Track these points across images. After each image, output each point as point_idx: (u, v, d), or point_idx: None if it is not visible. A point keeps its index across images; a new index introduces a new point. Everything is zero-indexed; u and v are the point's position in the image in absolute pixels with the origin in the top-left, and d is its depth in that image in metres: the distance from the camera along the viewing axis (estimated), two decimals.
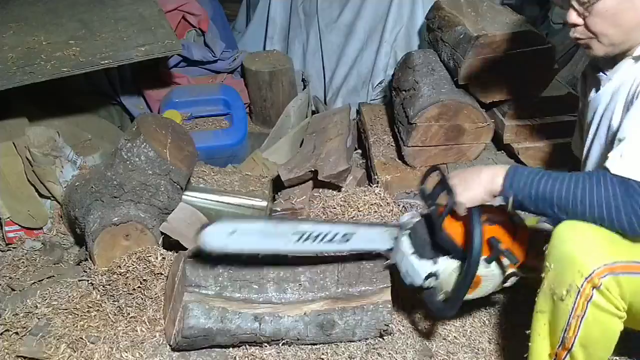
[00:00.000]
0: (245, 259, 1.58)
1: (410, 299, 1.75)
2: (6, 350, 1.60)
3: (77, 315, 1.70)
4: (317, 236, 1.47)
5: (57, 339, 1.62)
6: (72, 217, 2.05)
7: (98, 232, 1.78)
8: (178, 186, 2.00)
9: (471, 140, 2.29)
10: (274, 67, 3.06)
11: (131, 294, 1.73)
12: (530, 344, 1.28)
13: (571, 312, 1.16)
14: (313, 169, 2.19)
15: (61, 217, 2.19)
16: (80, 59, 2.27)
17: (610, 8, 1.19)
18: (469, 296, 1.44)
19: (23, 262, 2.02)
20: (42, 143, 2.10)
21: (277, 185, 2.33)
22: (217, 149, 2.68)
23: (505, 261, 1.42)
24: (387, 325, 1.63)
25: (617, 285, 1.12)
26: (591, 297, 1.13)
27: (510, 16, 2.39)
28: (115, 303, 1.73)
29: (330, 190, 2.19)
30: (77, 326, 1.67)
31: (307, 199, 2.16)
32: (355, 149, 2.77)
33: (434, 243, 1.45)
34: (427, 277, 1.44)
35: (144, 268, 1.75)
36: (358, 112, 2.96)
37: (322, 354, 1.62)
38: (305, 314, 1.59)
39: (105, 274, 1.77)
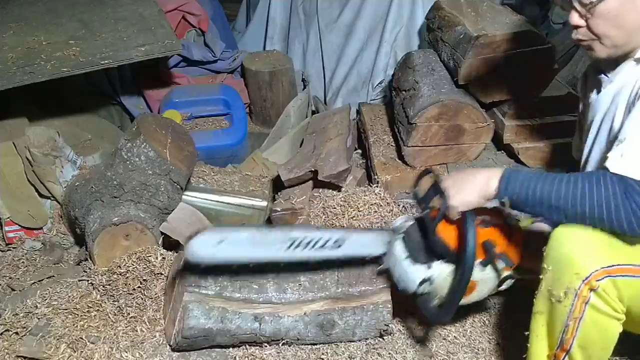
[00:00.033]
0: (235, 268, 1.56)
1: (410, 299, 1.75)
2: (6, 350, 1.60)
3: (77, 315, 1.70)
4: (308, 243, 1.45)
5: (57, 339, 1.62)
6: (72, 217, 2.05)
7: (98, 232, 1.78)
8: (178, 186, 2.00)
9: (471, 140, 2.29)
10: (274, 67, 3.06)
11: (131, 294, 1.73)
12: (529, 344, 1.28)
13: (569, 314, 1.16)
14: (313, 169, 2.19)
15: (61, 217, 2.19)
16: (80, 59, 2.27)
17: (612, 9, 1.19)
18: (464, 301, 1.42)
19: (23, 262, 2.02)
20: (42, 143, 2.10)
21: (277, 185, 2.33)
22: (217, 149, 2.68)
23: (501, 264, 1.40)
24: (387, 325, 1.63)
25: (614, 287, 1.12)
26: (589, 299, 1.13)
27: (510, 16, 2.39)
28: (115, 303, 1.73)
29: (330, 190, 2.18)
30: (77, 326, 1.67)
31: (307, 199, 2.16)
32: (355, 149, 2.77)
33: (427, 247, 1.42)
34: (421, 283, 1.42)
35: (144, 268, 1.75)
36: (358, 112, 2.96)
37: (322, 354, 1.62)
38: (305, 314, 1.59)
39: (105, 274, 1.77)
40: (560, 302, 1.16)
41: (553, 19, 3.51)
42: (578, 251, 1.15)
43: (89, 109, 2.72)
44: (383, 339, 1.66)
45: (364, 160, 2.68)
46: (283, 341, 1.59)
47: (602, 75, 1.36)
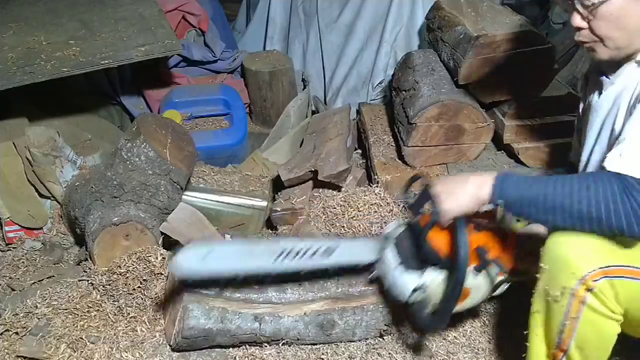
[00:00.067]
0: (224, 282, 1.54)
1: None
2: (6, 350, 1.60)
3: (77, 315, 1.70)
4: (297, 253, 1.43)
5: (57, 339, 1.62)
6: (72, 217, 2.05)
7: (98, 232, 1.78)
8: (178, 186, 2.00)
9: (471, 140, 2.29)
10: (274, 67, 3.06)
11: (131, 294, 1.73)
12: (528, 344, 1.28)
13: (566, 314, 1.15)
14: (313, 169, 2.19)
15: (61, 217, 2.19)
16: (80, 59, 2.27)
17: (614, 11, 1.18)
18: (458, 308, 1.40)
19: (23, 262, 2.02)
20: (42, 143, 2.10)
21: (277, 185, 2.33)
22: (217, 149, 2.68)
23: (494, 270, 1.38)
24: (387, 325, 1.63)
25: (611, 288, 1.12)
26: (585, 299, 1.13)
27: (510, 16, 2.39)
28: (115, 303, 1.73)
29: (330, 190, 2.19)
30: (77, 326, 1.67)
31: (307, 199, 2.16)
32: (355, 149, 2.77)
33: (419, 254, 1.40)
34: (413, 292, 1.39)
35: (144, 268, 1.75)
36: (358, 112, 2.96)
37: (322, 354, 1.62)
38: (305, 314, 1.59)
39: (105, 274, 1.77)
40: (556, 301, 1.16)
41: (553, 19, 3.51)
42: (575, 251, 1.14)
43: (89, 109, 2.72)
44: (383, 339, 1.66)
45: (364, 160, 2.68)
46: (283, 341, 1.59)
47: (604, 77, 1.35)
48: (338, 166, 2.14)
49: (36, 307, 1.74)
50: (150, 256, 1.77)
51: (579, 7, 1.22)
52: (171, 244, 1.93)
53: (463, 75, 2.24)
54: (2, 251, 2.13)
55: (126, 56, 2.32)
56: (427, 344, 1.66)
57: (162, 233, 1.91)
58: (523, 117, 2.29)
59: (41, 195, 2.17)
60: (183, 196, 2.08)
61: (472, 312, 1.75)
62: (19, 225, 2.14)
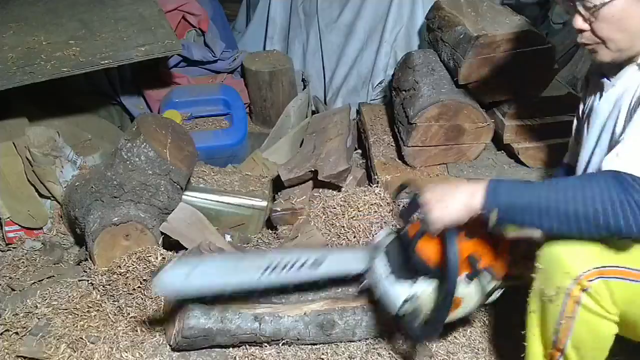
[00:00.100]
0: (210, 299, 1.51)
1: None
2: (6, 350, 1.60)
3: (77, 315, 1.70)
4: (284, 266, 1.39)
5: (57, 339, 1.62)
6: (72, 217, 2.05)
7: (98, 232, 1.78)
8: (178, 186, 2.00)
9: (471, 140, 2.29)
10: (274, 67, 3.06)
11: (131, 294, 1.73)
12: (525, 344, 1.28)
13: (561, 314, 1.15)
14: (313, 169, 2.19)
15: (61, 217, 2.20)
16: (80, 59, 2.27)
17: (616, 13, 1.17)
18: (450, 318, 1.37)
19: (23, 262, 2.02)
20: (42, 143, 2.10)
21: (277, 185, 2.33)
22: (217, 149, 2.68)
23: (487, 278, 1.35)
24: (387, 326, 1.63)
25: (607, 289, 1.12)
26: (580, 299, 1.12)
27: (510, 16, 2.39)
28: (115, 303, 1.73)
29: (330, 190, 2.19)
30: (77, 326, 1.67)
31: (307, 199, 2.16)
32: (355, 149, 2.77)
33: (409, 264, 1.36)
34: (404, 303, 1.35)
35: (144, 268, 1.75)
36: (358, 112, 2.96)
37: (322, 354, 1.62)
38: (305, 314, 1.59)
39: (105, 274, 1.77)
40: (551, 301, 1.16)
41: (553, 19, 3.52)
42: (570, 251, 1.14)
43: (89, 109, 2.72)
44: (383, 339, 1.66)
45: (364, 160, 2.68)
46: (283, 341, 1.59)
47: (605, 79, 1.34)
48: (338, 166, 2.14)
49: (36, 307, 1.74)
50: (150, 256, 1.78)
51: (580, 9, 1.21)
52: (171, 244, 1.93)
53: (463, 75, 2.24)
54: (2, 251, 2.14)
55: (126, 56, 2.32)
56: (427, 344, 1.66)
57: (162, 233, 1.91)
58: (523, 117, 2.29)
59: (41, 195, 2.17)
60: (183, 196, 2.08)
61: (472, 315, 1.75)
62: (19, 225, 2.14)
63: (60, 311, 1.72)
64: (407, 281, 1.36)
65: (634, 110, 1.17)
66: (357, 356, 1.62)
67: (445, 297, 1.29)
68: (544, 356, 1.25)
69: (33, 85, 2.16)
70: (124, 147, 1.93)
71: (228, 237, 2.11)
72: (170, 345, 1.61)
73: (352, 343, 1.65)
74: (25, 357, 1.59)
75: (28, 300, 1.77)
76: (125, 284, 1.73)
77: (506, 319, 1.71)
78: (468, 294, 1.35)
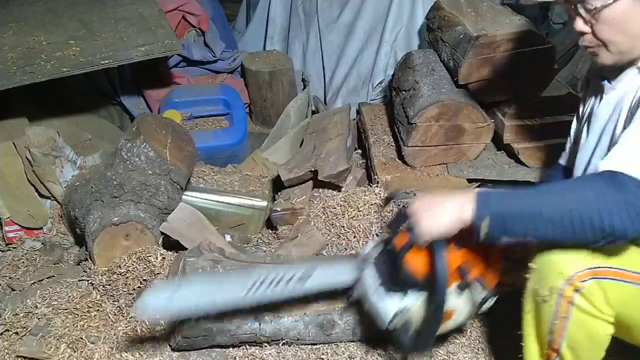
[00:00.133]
0: (195, 320, 1.48)
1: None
2: (6, 350, 1.60)
3: (77, 315, 1.70)
4: (271, 282, 1.36)
5: (57, 339, 1.62)
6: (72, 217, 2.05)
7: (98, 232, 1.78)
8: (178, 186, 2.00)
9: (471, 140, 2.29)
10: (274, 67, 3.06)
11: (131, 294, 1.73)
12: (523, 344, 1.28)
13: (555, 314, 1.15)
14: (313, 169, 2.19)
15: (61, 217, 2.20)
16: (80, 59, 2.27)
17: (617, 15, 1.16)
18: (443, 329, 1.33)
19: (23, 262, 2.02)
20: (42, 143, 2.10)
21: (277, 185, 2.33)
22: (217, 149, 2.68)
23: (478, 288, 1.32)
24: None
25: (600, 289, 1.11)
26: (573, 299, 1.12)
27: (510, 16, 2.39)
28: (115, 303, 1.73)
29: (330, 190, 2.19)
30: (77, 326, 1.67)
31: (307, 199, 2.16)
32: (355, 149, 2.77)
33: (397, 278, 1.31)
34: (394, 317, 1.31)
35: (144, 268, 1.75)
36: (358, 112, 2.96)
37: (322, 354, 1.62)
38: (305, 314, 1.59)
39: (105, 274, 1.77)
40: (545, 301, 1.16)
41: (553, 19, 3.52)
42: (563, 251, 1.13)
43: (89, 109, 2.72)
44: (383, 339, 1.66)
45: (364, 160, 2.68)
46: (283, 341, 1.59)
47: (605, 82, 1.33)
48: (338, 166, 2.14)
49: (36, 307, 1.74)
50: (150, 256, 1.78)
51: (581, 11, 1.20)
52: (171, 244, 1.93)
53: (463, 75, 2.24)
54: (2, 251, 2.14)
55: (126, 56, 2.32)
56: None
57: (162, 233, 1.91)
58: (523, 117, 2.29)
59: (41, 195, 2.17)
60: (183, 196, 2.08)
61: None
62: (19, 225, 2.14)
63: (60, 311, 1.72)
64: (397, 294, 1.31)
65: (633, 113, 1.17)
66: (357, 356, 1.62)
67: (435, 311, 1.26)
68: (540, 356, 1.25)
69: (33, 85, 2.16)
70: (124, 147, 1.93)
71: (228, 237, 2.11)
72: (170, 345, 1.61)
73: (352, 343, 1.65)
74: (25, 357, 1.60)
75: (28, 300, 1.77)
76: (125, 284, 1.73)
77: (506, 319, 1.71)
78: (459, 305, 1.32)
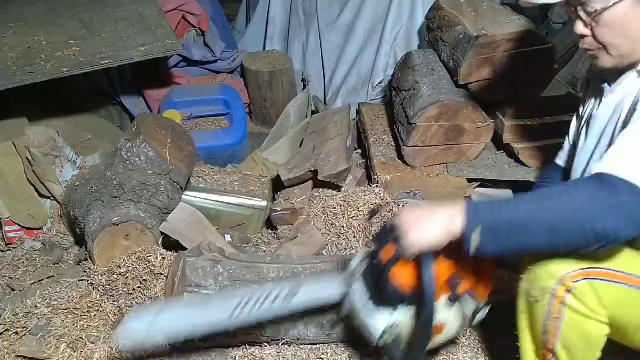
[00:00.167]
0: (180, 344, 1.46)
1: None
2: (6, 350, 1.60)
3: (77, 315, 1.70)
4: (256, 301, 1.32)
5: (57, 339, 1.62)
6: (72, 217, 2.05)
7: (98, 232, 1.78)
8: (178, 186, 2.00)
9: (471, 140, 2.29)
10: (274, 67, 3.06)
11: (131, 294, 1.73)
12: (519, 344, 1.28)
13: (547, 314, 1.15)
14: (313, 169, 2.19)
15: (61, 217, 2.20)
16: (80, 59, 2.27)
17: (617, 18, 1.15)
18: (435, 343, 1.30)
19: (23, 262, 2.02)
20: (42, 143, 2.10)
21: (277, 185, 2.33)
22: (217, 149, 2.68)
23: (469, 300, 1.28)
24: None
25: (592, 290, 1.11)
26: (565, 300, 1.12)
27: (510, 16, 2.39)
28: (115, 303, 1.73)
29: (330, 190, 2.19)
30: (77, 326, 1.67)
31: (307, 199, 2.16)
32: (355, 149, 2.77)
33: (383, 293, 1.26)
34: (383, 333, 1.26)
35: (144, 268, 1.75)
36: (358, 112, 2.96)
37: (322, 354, 1.62)
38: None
39: (105, 274, 1.77)
40: (538, 302, 1.16)
41: (553, 19, 3.52)
42: None
43: (89, 109, 2.72)
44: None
45: (364, 160, 2.68)
46: (283, 341, 1.59)
47: (605, 85, 1.33)
48: (338, 166, 2.14)
49: (36, 307, 1.74)
50: (150, 256, 1.78)
51: (582, 14, 1.19)
52: (171, 244, 1.93)
53: (463, 75, 2.24)
54: (2, 251, 2.14)
55: (126, 56, 2.32)
56: None
57: (162, 233, 1.91)
58: (523, 117, 2.29)
59: (41, 195, 2.17)
60: (183, 196, 2.08)
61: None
62: (19, 225, 2.14)
63: (60, 311, 1.72)
64: (386, 308, 1.26)
65: (630, 116, 1.16)
66: (357, 356, 1.61)
67: (424, 327, 1.22)
68: (537, 356, 1.25)
69: (33, 85, 2.16)
70: (124, 147, 1.93)
71: (228, 237, 2.11)
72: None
73: (352, 343, 1.65)
74: (25, 357, 1.60)
75: (28, 300, 1.77)
76: (125, 284, 1.73)
77: (506, 319, 1.71)
78: (450, 318, 1.28)
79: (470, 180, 2.29)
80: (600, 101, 1.34)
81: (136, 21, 2.57)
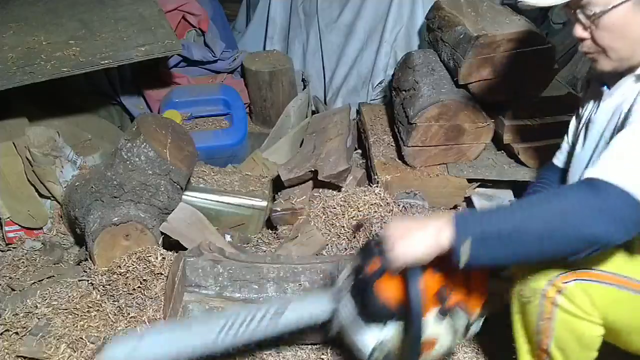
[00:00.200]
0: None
1: None
2: (6, 350, 1.60)
3: (77, 315, 1.70)
4: (242, 322, 1.29)
5: (57, 339, 1.62)
6: (72, 217, 2.05)
7: (98, 232, 1.78)
8: (178, 186, 2.00)
9: (471, 140, 2.29)
10: (274, 67, 3.06)
11: (131, 294, 1.73)
12: (515, 344, 1.29)
13: (539, 315, 1.15)
14: (313, 169, 2.19)
15: (61, 217, 2.20)
16: (80, 59, 2.27)
17: (616, 21, 1.14)
18: (427, 359, 1.25)
19: (23, 262, 2.02)
20: (42, 143, 2.10)
21: (277, 185, 2.33)
22: (217, 149, 2.68)
23: (460, 313, 1.24)
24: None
25: (583, 291, 1.11)
26: (556, 300, 1.12)
27: (510, 16, 2.39)
28: (115, 303, 1.73)
29: (330, 190, 2.19)
30: (77, 326, 1.67)
31: (307, 199, 2.16)
32: (355, 149, 2.77)
33: (369, 309, 1.22)
34: (373, 350, 1.22)
35: (144, 268, 1.75)
36: (358, 112, 2.96)
37: (322, 354, 1.62)
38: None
39: (105, 274, 1.77)
40: (529, 302, 1.17)
41: (553, 19, 3.51)
42: None
43: (89, 109, 2.72)
44: None
45: (364, 160, 2.68)
46: (283, 341, 1.59)
47: (604, 88, 1.32)
48: (338, 166, 2.14)
49: (36, 307, 1.74)
50: (150, 256, 1.78)
51: (581, 16, 1.18)
52: (171, 244, 1.93)
53: (463, 75, 2.24)
54: (2, 251, 2.14)
55: (126, 56, 2.32)
56: None
57: (162, 233, 1.91)
58: (523, 117, 2.29)
59: (41, 195, 2.17)
60: (183, 196, 2.08)
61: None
62: (19, 225, 2.14)
63: (60, 311, 1.72)
64: (376, 325, 1.22)
65: (624, 120, 1.15)
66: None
67: (413, 342, 1.18)
68: (533, 356, 1.25)
69: (33, 85, 2.16)
70: (124, 147, 1.93)
71: (228, 237, 2.11)
72: None
73: None
74: (25, 357, 1.59)
75: (28, 300, 1.77)
76: (125, 284, 1.73)
77: (506, 319, 1.71)
78: (442, 332, 1.23)
79: (470, 180, 2.29)
80: (599, 105, 1.33)
81: (136, 21, 2.57)
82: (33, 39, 2.41)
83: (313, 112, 3.11)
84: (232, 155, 2.73)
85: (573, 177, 1.41)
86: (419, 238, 1.10)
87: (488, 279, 1.28)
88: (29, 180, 2.15)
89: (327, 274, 1.61)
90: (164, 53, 2.41)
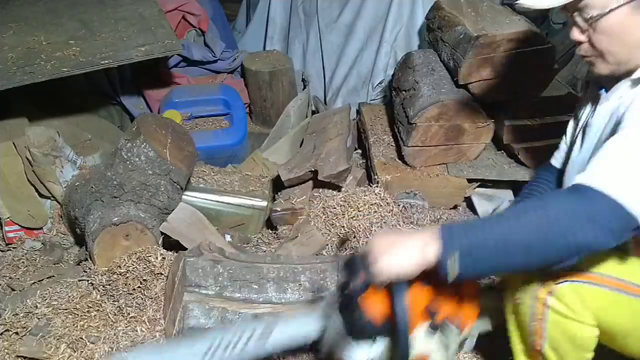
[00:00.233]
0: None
1: None
2: (6, 350, 1.60)
3: (77, 315, 1.70)
4: (227, 344, 1.25)
5: (57, 339, 1.62)
6: (72, 217, 2.05)
7: (98, 232, 1.78)
8: (178, 186, 2.00)
9: (471, 140, 2.29)
10: (274, 67, 3.06)
11: (131, 294, 1.73)
12: (511, 345, 1.29)
13: (532, 316, 1.16)
14: (313, 169, 2.19)
15: (61, 217, 2.20)
16: (80, 59, 2.27)
17: (614, 25, 1.13)
18: None
19: (23, 262, 2.02)
20: (42, 143, 2.10)
21: (277, 185, 2.33)
22: (217, 149, 2.68)
23: (451, 328, 1.20)
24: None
25: (574, 292, 1.11)
26: (547, 301, 1.12)
27: (510, 16, 2.39)
28: (115, 303, 1.73)
29: (330, 190, 2.19)
30: (77, 326, 1.67)
31: (307, 199, 2.16)
32: (355, 149, 2.77)
33: (354, 325, 1.18)
34: None
35: (144, 268, 1.75)
36: (358, 112, 2.96)
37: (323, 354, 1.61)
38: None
39: (105, 274, 1.77)
40: (522, 303, 1.17)
41: (553, 19, 3.51)
42: None
43: (89, 109, 2.72)
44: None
45: (364, 160, 2.68)
46: None
47: (602, 91, 1.31)
48: (338, 166, 2.14)
49: (36, 307, 1.74)
50: (150, 256, 1.78)
51: (578, 20, 1.18)
52: (171, 244, 1.93)
53: (463, 75, 2.24)
54: (2, 251, 2.14)
55: (126, 56, 2.32)
56: None
57: (162, 233, 1.91)
58: (523, 117, 2.29)
59: (41, 195, 2.17)
60: (183, 196, 2.08)
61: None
62: (19, 225, 2.14)
63: (60, 311, 1.72)
64: (366, 341, 1.18)
65: (617, 125, 1.14)
66: None
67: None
68: (528, 357, 1.25)
69: (33, 85, 2.16)
70: (124, 147, 1.93)
71: (228, 237, 2.11)
72: None
73: None
74: (25, 357, 1.60)
75: (28, 300, 1.77)
76: (125, 284, 1.73)
77: (506, 319, 1.71)
78: (433, 348, 1.19)
79: (470, 180, 2.29)
80: (596, 108, 1.32)
81: (136, 21, 2.57)
82: (33, 39, 2.41)
83: (313, 112, 3.11)
84: (232, 155, 2.73)
85: (569, 179, 1.39)
86: (403, 252, 1.06)
87: (480, 291, 1.26)
88: (29, 180, 2.15)
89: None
90: (164, 53, 2.41)
